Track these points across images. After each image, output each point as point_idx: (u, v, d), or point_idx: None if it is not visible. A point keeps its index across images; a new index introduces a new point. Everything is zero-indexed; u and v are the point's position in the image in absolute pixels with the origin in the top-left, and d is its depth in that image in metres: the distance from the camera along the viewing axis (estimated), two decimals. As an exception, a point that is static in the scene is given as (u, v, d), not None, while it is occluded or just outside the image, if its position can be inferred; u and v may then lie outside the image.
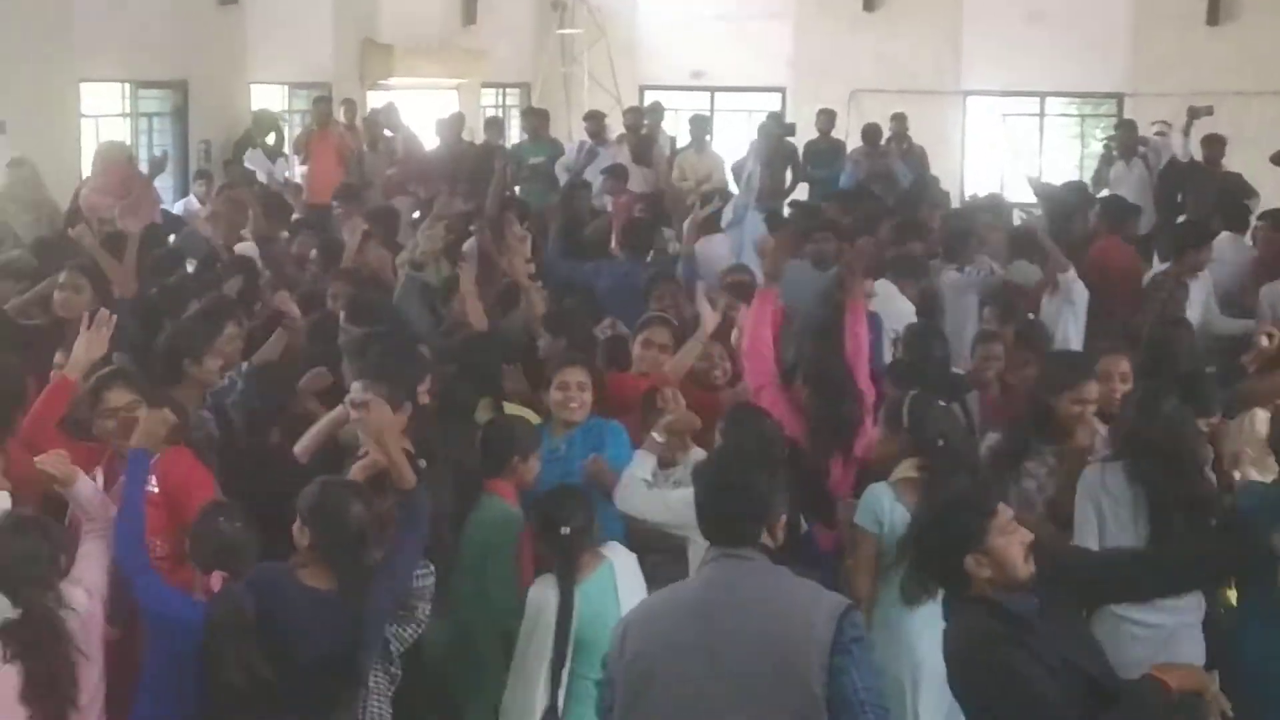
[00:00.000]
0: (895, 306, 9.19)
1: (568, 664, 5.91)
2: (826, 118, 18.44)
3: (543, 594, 6.05)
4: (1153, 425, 6.26)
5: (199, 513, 5.54)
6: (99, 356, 6.61)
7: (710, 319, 8.08)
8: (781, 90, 23.30)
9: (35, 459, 5.58)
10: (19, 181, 12.94)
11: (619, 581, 6.03)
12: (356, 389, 6.36)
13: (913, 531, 5.07)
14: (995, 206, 14.46)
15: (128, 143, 15.90)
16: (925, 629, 5.86)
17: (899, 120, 18.09)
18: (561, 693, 5.94)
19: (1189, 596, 6.00)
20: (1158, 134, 17.09)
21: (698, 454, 6.56)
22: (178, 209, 15.16)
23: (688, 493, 5.80)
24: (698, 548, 5.69)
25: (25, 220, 12.45)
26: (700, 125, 17.15)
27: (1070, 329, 9.42)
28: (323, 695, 5.36)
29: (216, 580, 5.22)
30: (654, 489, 6.51)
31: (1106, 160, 16.88)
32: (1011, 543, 4.41)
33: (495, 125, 18.70)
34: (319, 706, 5.35)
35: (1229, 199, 13.13)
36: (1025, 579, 4.43)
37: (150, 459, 5.76)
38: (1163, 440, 6.16)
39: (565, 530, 5.98)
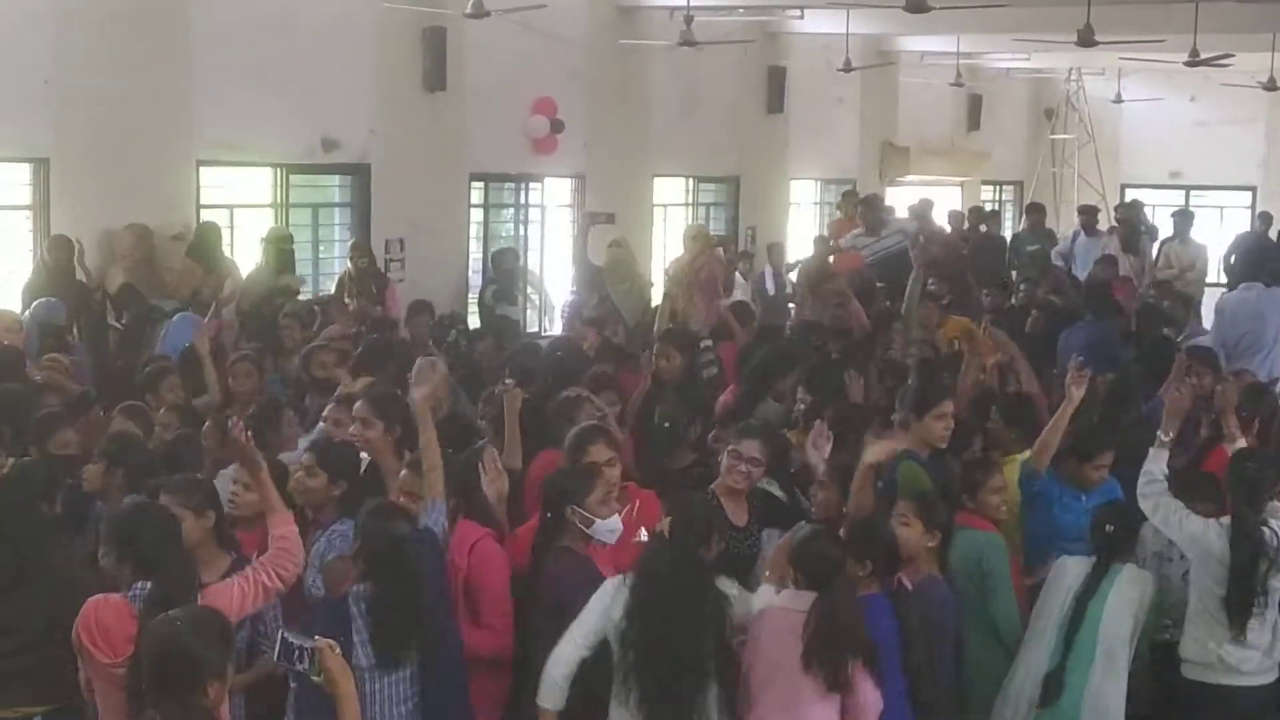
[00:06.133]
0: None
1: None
2: None
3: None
4: None
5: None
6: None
7: None
8: (1253, 189, 22.90)
9: None
10: (616, 259, 13.46)
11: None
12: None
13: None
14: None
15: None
16: None
17: None
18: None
19: None
20: None
21: None
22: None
23: (1202, 525, 6.00)
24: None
25: (620, 289, 12.95)
26: (1184, 219, 16.92)
27: None
28: None
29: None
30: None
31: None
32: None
33: (994, 218, 18.78)
34: None
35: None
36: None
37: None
38: None
39: (1110, 528, 6.07)
